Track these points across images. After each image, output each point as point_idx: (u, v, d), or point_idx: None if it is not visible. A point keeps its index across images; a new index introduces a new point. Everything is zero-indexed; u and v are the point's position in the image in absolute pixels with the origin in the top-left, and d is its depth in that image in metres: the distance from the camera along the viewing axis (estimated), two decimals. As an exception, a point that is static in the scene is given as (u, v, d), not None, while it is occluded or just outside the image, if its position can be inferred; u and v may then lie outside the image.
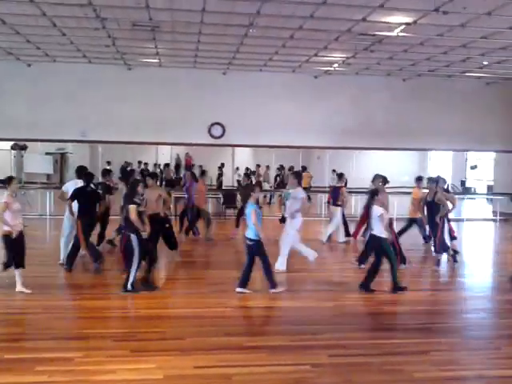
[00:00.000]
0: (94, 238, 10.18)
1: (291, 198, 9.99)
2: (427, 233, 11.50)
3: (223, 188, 20.80)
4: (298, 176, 10.68)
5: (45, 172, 22.17)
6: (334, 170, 21.17)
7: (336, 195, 13.08)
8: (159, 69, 16.41)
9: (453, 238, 11.25)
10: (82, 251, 9.69)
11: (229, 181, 23.47)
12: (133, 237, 8.03)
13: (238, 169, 24.18)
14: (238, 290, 8.19)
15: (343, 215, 13.26)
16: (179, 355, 5.77)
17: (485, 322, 7.48)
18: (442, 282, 9.66)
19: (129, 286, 8.04)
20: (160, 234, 9.91)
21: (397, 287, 8.46)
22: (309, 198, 22.90)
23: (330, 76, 16.77)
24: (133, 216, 8.02)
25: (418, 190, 11.98)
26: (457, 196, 12.51)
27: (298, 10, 10.28)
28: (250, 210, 8.23)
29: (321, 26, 11.30)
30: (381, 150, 19.32)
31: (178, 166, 25.53)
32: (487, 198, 22.93)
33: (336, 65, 15.40)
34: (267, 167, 24.11)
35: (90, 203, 9.53)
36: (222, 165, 23.89)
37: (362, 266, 9.98)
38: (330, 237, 13.09)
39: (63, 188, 10.42)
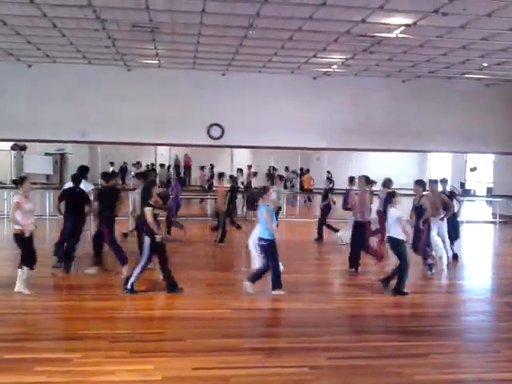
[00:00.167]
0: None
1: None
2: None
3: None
4: (271, 178, 10.64)
5: (44, 172, 22.16)
6: (328, 172, 21.20)
7: (346, 198, 13.08)
8: (159, 70, 16.42)
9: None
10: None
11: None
12: (146, 239, 8.04)
13: (241, 170, 24.16)
14: (274, 292, 8.23)
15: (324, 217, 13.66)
16: (178, 356, 5.76)
17: (484, 325, 7.48)
18: (442, 285, 9.64)
19: (128, 285, 8.03)
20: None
21: (399, 290, 8.44)
22: (309, 200, 22.89)
23: (329, 77, 16.78)
24: (149, 218, 8.00)
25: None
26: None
27: (298, 12, 10.29)
28: (263, 211, 8.29)
29: (320, 27, 11.31)
30: (380, 152, 19.31)
31: (177, 167, 25.50)
32: (487, 200, 22.91)
33: (335, 66, 15.41)
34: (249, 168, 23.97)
35: (76, 204, 9.51)
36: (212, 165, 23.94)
37: (353, 269, 9.99)
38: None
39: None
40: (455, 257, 11.23)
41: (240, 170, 21.44)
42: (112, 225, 9.35)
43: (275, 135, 16.57)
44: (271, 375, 5.36)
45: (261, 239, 8.34)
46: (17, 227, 7.80)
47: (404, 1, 9.74)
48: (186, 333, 6.62)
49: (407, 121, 17.18)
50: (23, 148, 19.80)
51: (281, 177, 14.33)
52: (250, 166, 23.58)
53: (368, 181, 10.63)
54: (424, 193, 10.34)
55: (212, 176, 23.30)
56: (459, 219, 11.71)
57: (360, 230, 10.13)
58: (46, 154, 22.43)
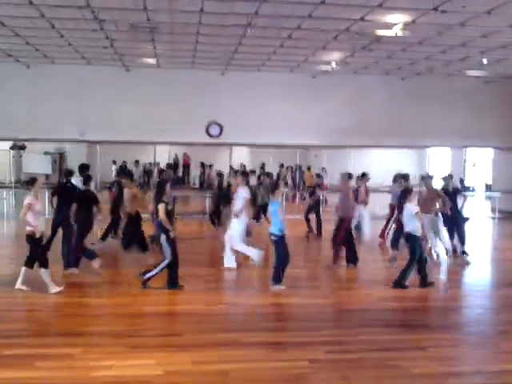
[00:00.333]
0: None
1: (237, 197, 9.91)
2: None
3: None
4: (245, 175, 10.67)
5: (43, 172, 22.13)
6: (323, 168, 21.23)
7: (356, 195, 13.13)
8: (157, 69, 16.45)
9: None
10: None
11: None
12: (162, 236, 8.10)
13: (244, 167, 24.20)
14: (272, 288, 8.31)
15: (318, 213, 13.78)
16: (178, 351, 5.80)
17: (483, 318, 7.50)
18: (441, 279, 9.65)
19: (145, 278, 8.13)
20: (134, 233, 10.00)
21: (400, 283, 8.48)
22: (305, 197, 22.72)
23: (328, 75, 16.80)
24: (162, 215, 8.06)
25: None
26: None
27: (297, 10, 10.31)
28: (276, 207, 8.37)
29: (319, 25, 11.33)
30: (379, 149, 19.34)
31: (176, 166, 25.54)
32: (486, 196, 22.97)
33: (334, 64, 15.42)
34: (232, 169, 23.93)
35: (65, 200, 9.55)
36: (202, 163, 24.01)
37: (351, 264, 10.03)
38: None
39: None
40: (455, 251, 11.16)
41: (232, 169, 21.49)
42: (86, 227, 9.39)
43: (274, 133, 16.61)
44: (270, 369, 5.40)
45: (271, 234, 8.42)
46: (28, 228, 7.82)
47: (403, -2, 9.77)
48: (186, 328, 6.67)
49: (406, 118, 17.20)
50: (22, 147, 19.84)
51: (268, 174, 14.49)
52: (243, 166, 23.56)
53: (350, 177, 10.65)
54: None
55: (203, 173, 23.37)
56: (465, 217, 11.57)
57: (340, 226, 10.08)
58: (45, 153, 22.46)
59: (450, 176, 11.64)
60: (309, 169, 22.58)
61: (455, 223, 11.04)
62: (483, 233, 16.39)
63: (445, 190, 11.17)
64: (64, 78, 16.02)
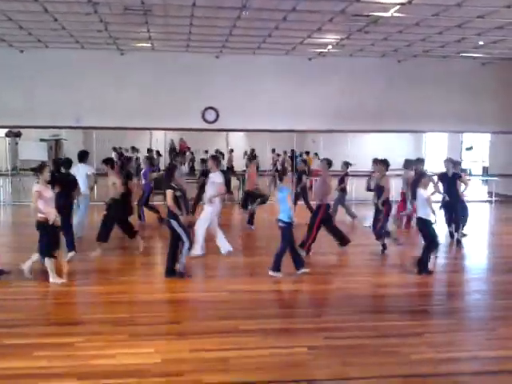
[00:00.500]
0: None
1: (209, 183, 9.76)
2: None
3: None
4: (216, 159, 10.33)
5: (39, 159, 22.00)
6: (316, 154, 21.17)
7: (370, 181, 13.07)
8: (152, 53, 16.29)
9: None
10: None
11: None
12: (173, 222, 8.07)
13: (246, 153, 24.13)
14: (299, 272, 8.35)
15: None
16: (177, 339, 5.81)
17: (480, 304, 7.54)
18: (438, 264, 9.68)
19: (182, 269, 8.15)
20: (115, 221, 9.83)
21: (424, 269, 8.50)
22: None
23: (324, 58, 16.69)
24: (169, 201, 8.05)
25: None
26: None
27: (292, -8, 10.19)
28: (285, 194, 8.33)
29: (314, 7, 11.20)
30: (375, 133, 19.28)
31: (172, 151, 25.42)
32: (482, 180, 22.96)
33: (330, 46, 15.31)
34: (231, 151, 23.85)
35: (67, 191, 9.41)
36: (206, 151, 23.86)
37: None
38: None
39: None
40: (458, 242, 11.07)
41: (221, 153, 21.41)
42: (68, 211, 9.31)
43: (270, 117, 16.53)
44: (270, 356, 5.41)
45: (279, 220, 8.40)
46: (40, 215, 7.72)
47: (399, -21, 9.66)
48: (185, 315, 6.69)
49: (403, 101, 17.13)
50: (18, 135, 19.69)
51: (251, 159, 14.37)
52: (231, 150, 23.49)
53: (330, 164, 10.63)
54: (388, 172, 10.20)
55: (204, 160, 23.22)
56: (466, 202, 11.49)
57: (317, 211, 9.96)
58: (41, 140, 22.31)
59: (450, 160, 11.46)
60: (307, 153, 22.56)
61: (453, 209, 10.98)
62: (480, 217, 16.43)
63: (444, 174, 11.14)
64: (58, 63, 15.86)
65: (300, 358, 5.36)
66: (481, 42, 14.40)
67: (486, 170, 22.67)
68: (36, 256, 7.99)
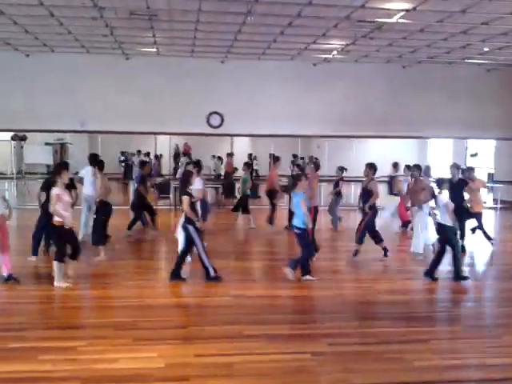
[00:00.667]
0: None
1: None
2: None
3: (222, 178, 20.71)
4: (197, 165, 10.35)
5: (44, 162, 22.16)
6: (316, 158, 21.06)
7: (392, 185, 13.10)
8: (157, 57, 16.35)
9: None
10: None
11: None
12: (190, 227, 8.13)
13: (255, 158, 24.13)
14: (304, 278, 8.42)
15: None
16: (180, 344, 5.82)
17: (484, 311, 7.51)
18: (441, 271, 9.65)
19: (212, 273, 8.19)
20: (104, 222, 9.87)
21: (460, 276, 8.54)
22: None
23: (329, 63, 16.71)
24: (185, 207, 8.11)
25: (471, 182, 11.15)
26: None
27: (297, -3, 10.21)
28: (299, 200, 8.36)
29: (319, 13, 11.22)
30: (380, 139, 19.28)
31: (177, 156, 25.45)
32: (488, 186, 22.84)
33: (335, 52, 15.33)
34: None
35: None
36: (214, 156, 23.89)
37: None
38: None
39: (79, 174, 11.13)
40: (462, 249, 10.98)
41: (219, 158, 21.42)
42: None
43: (275, 123, 16.54)
44: (273, 362, 5.40)
45: (294, 227, 8.45)
46: (57, 219, 7.70)
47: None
48: (189, 320, 6.70)
49: (407, 107, 17.12)
50: (23, 138, 19.79)
51: (248, 164, 14.52)
52: (230, 154, 23.46)
53: (318, 167, 10.55)
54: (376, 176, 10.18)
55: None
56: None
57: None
58: (46, 143, 22.43)
59: (456, 166, 11.35)
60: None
61: (457, 215, 10.89)
62: (485, 224, 16.35)
63: (449, 180, 11.08)
64: (64, 67, 15.93)
65: (304, 364, 5.35)
66: (486, 49, 14.40)
67: (491, 177, 22.56)
68: (56, 264, 7.92)
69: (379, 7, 10.76)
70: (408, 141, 21.63)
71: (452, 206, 8.63)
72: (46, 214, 8.66)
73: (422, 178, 10.95)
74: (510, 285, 8.61)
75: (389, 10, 10.88)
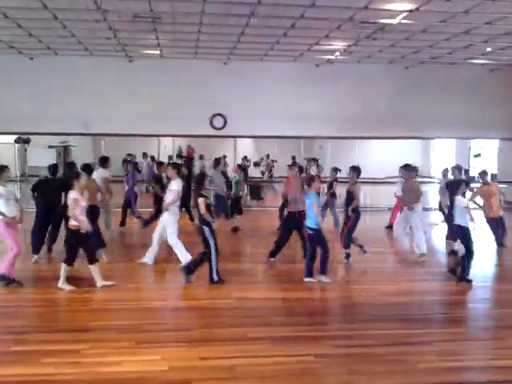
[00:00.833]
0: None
1: (167, 190, 9.66)
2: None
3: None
4: (176, 167, 10.19)
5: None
6: (316, 159, 21.03)
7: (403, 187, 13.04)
8: (161, 60, 16.37)
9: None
10: None
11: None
12: (205, 228, 8.19)
13: (262, 159, 24.09)
14: (306, 280, 8.44)
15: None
16: (184, 346, 5.81)
17: (488, 313, 7.49)
18: (444, 273, 9.62)
19: (215, 277, 8.21)
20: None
21: (465, 278, 8.53)
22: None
23: (331, 64, 16.69)
24: (202, 209, 8.16)
25: (486, 186, 11.27)
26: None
27: (300, -1, 10.21)
28: (312, 201, 8.40)
29: (322, 14, 11.21)
30: (383, 139, 19.24)
31: (180, 158, 25.45)
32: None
33: (338, 53, 15.31)
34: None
35: (47, 193, 9.55)
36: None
37: (272, 259, 9.86)
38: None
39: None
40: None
41: (216, 160, 21.30)
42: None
43: (278, 124, 16.52)
44: (277, 364, 5.40)
45: (308, 228, 8.49)
46: (74, 223, 7.72)
47: (407, -14, 9.66)
48: (193, 323, 6.69)
49: (410, 107, 17.07)
50: (27, 141, 19.83)
51: (240, 166, 14.49)
52: (224, 156, 23.43)
53: (301, 170, 10.52)
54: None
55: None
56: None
57: (293, 221, 9.84)
58: (50, 146, 22.46)
59: (457, 167, 11.31)
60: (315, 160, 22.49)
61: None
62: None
63: (451, 181, 11.07)
64: (67, 70, 15.93)
65: (308, 367, 5.34)
66: (488, 49, 14.35)
67: (494, 177, 22.49)
68: (93, 267, 7.98)
69: (382, 8, 10.75)
70: (411, 141, 21.56)
71: (470, 207, 8.68)
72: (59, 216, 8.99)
73: (414, 180, 10.85)
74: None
75: (392, 10, 10.87)
